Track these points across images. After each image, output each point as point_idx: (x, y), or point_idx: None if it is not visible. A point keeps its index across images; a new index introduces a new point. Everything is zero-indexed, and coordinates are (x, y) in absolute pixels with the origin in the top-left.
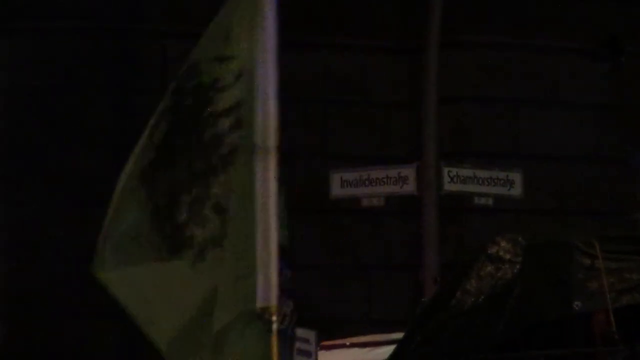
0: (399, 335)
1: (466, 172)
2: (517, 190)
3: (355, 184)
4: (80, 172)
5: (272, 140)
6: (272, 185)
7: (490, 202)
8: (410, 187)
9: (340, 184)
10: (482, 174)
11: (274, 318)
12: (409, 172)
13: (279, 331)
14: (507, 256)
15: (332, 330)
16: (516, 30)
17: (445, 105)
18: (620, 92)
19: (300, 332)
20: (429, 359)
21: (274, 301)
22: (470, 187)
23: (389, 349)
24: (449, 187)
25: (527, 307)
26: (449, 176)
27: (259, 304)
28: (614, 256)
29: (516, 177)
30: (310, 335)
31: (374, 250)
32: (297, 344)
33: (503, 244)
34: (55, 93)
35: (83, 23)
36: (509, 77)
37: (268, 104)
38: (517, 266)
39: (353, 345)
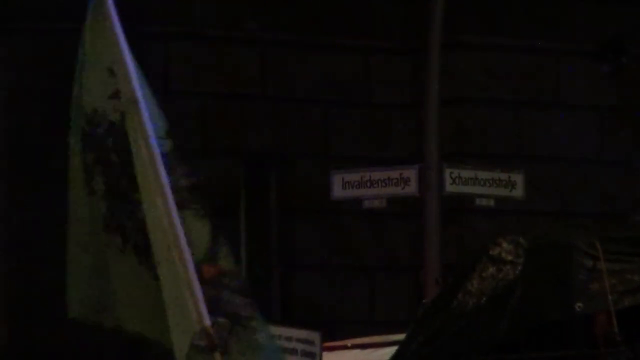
0: (400, 337)
1: (468, 173)
2: (518, 192)
3: (356, 185)
4: None
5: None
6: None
7: (491, 203)
8: (411, 189)
9: (342, 185)
10: (483, 175)
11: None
12: (411, 173)
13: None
14: (509, 257)
15: (334, 332)
16: (518, 32)
17: (447, 107)
18: (622, 94)
19: (304, 333)
20: (430, 359)
21: (207, 321)
22: (472, 189)
23: (390, 350)
24: (450, 188)
25: (528, 308)
26: (451, 177)
27: (196, 326)
28: (616, 257)
29: (518, 178)
30: (315, 337)
31: (375, 251)
32: (301, 346)
33: (504, 245)
34: (57, 93)
35: (83, 23)
36: (510, 79)
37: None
38: (519, 267)
39: (355, 346)
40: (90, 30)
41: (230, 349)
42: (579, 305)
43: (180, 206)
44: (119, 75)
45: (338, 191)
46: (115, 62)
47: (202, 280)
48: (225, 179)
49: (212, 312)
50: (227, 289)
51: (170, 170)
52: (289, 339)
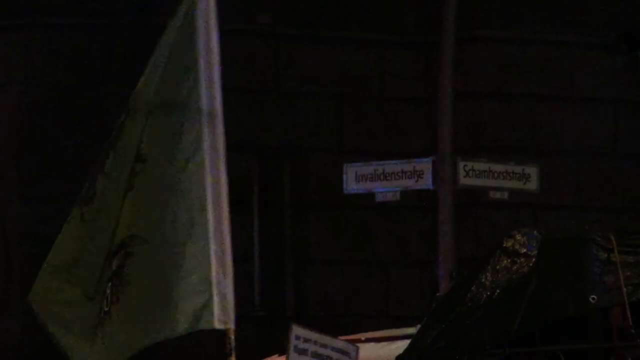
0: (414, 330)
1: (481, 166)
2: (533, 184)
3: (370, 179)
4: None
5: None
6: (224, 191)
7: (505, 196)
8: (425, 182)
9: (356, 179)
10: (497, 167)
11: (233, 341)
12: (424, 166)
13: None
14: (523, 250)
15: (348, 325)
16: (532, 25)
17: (461, 100)
18: (637, 86)
19: (340, 343)
20: (445, 353)
21: (232, 325)
22: (486, 181)
23: (404, 344)
24: (464, 181)
25: (542, 300)
26: (465, 170)
27: (218, 325)
28: (631, 250)
29: (532, 171)
30: (351, 349)
31: (389, 245)
32: (336, 356)
33: (519, 237)
34: (70, 89)
35: (96, 19)
36: (525, 72)
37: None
38: (533, 260)
39: (368, 340)
40: (178, 31)
41: None
42: (593, 298)
43: None
44: (197, 82)
45: (351, 184)
46: (195, 70)
47: None
48: (238, 173)
49: None
50: None
51: None
52: (324, 345)
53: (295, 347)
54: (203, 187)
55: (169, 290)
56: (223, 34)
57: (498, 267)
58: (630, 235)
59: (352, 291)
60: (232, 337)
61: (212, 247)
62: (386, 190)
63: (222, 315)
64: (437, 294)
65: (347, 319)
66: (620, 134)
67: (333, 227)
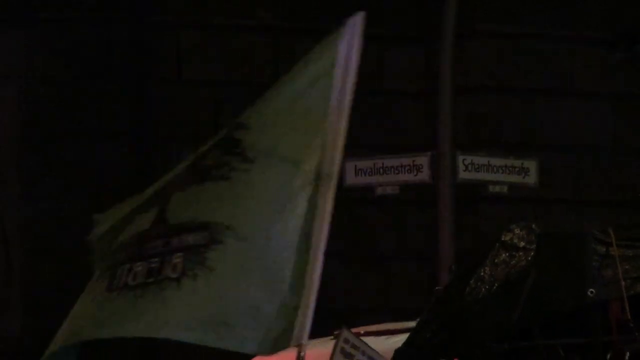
0: (414, 324)
1: (481, 160)
2: (532, 178)
3: (369, 172)
4: (96, 164)
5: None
6: (327, 218)
7: (505, 190)
8: (424, 176)
9: (355, 173)
10: (496, 162)
11: (302, 356)
12: (424, 160)
13: None
14: (521, 243)
15: (348, 320)
16: (532, 20)
17: (460, 95)
18: (636, 82)
19: (371, 351)
20: (443, 347)
21: (305, 340)
22: (485, 175)
23: (404, 338)
24: (463, 175)
25: (541, 294)
26: (464, 164)
27: (292, 344)
28: (629, 243)
29: (531, 165)
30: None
31: (389, 239)
32: None
33: (517, 231)
34: (71, 84)
35: (98, 13)
36: (524, 67)
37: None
38: (532, 254)
39: (368, 333)
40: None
41: None
42: (591, 292)
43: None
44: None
45: (350, 178)
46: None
47: None
48: None
49: None
50: None
51: None
52: (355, 347)
53: (343, 349)
54: (315, 199)
55: (252, 299)
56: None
57: (497, 261)
58: (628, 229)
59: (351, 285)
60: (303, 352)
61: (312, 261)
62: (385, 184)
63: (299, 332)
64: (437, 288)
65: (346, 313)
66: (619, 129)
67: (332, 221)
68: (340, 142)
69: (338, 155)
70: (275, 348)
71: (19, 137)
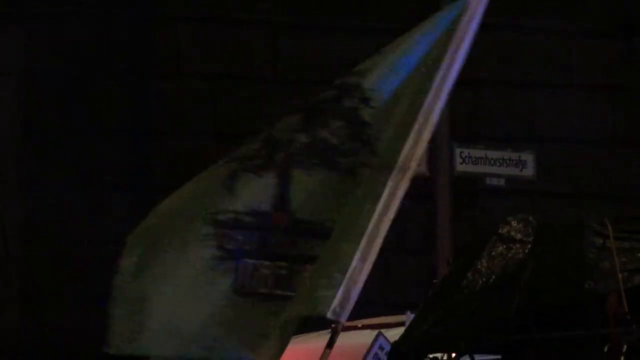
0: (411, 318)
1: (478, 152)
2: (529, 171)
3: None
4: (95, 158)
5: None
6: (395, 206)
7: (502, 182)
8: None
9: None
10: (494, 154)
11: (336, 335)
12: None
13: None
14: (519, 236)
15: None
16: (530, 12)
17: (457, 88)
18: (635, 74)
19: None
20: (440, 340)
21: (344, 319)
22: (482, 168)
23: (400, 331)
24: (461, 168)
25: (538, 287)
26: (461, 157)
27: (330, 315)
28: (627, 236)
29: (528, 157)
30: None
31: (387, 232)
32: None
33: (514, 224)
34: (70, 79)
35: (97, 8)
36: (522, 59)
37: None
38: (529, 246)
39: (365, 327)
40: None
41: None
42: (588, 284)
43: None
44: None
45: None
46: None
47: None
48: None
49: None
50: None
51: None
52: (381, 347)
53: (376, 355)
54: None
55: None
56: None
57: (494, 253)
58: (626, 222)
59: None
60: (337, 331)
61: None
62: None
63: (339, 307)
64: (434, 281)
65: None
66: (617, 121)
67: None
68: (427, 136)
69: (420, 150)
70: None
71: (19, 131)
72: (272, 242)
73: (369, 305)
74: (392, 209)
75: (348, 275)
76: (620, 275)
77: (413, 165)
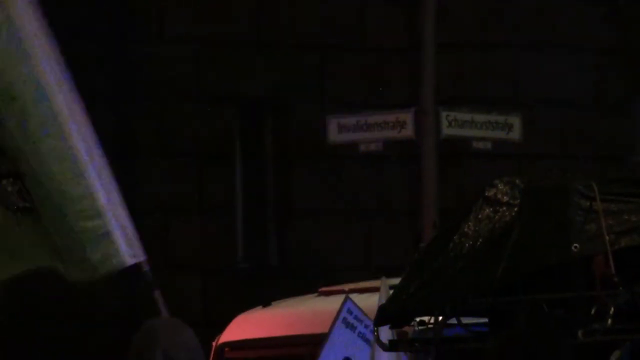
0: (397, 281)
1: (464, 116)
2: (516, 134)
3: (353, 129)
4: None
5: None
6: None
7: (488, 146)
8: (408, 132)
9: (338, 129)
10: (480, 117)
11: (149, 274)
12: (407, 116)
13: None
14: (505, 199)
15: (332, 276)
16: None
17: (443, 51)
18: (620, 36)
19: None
20: (427, 303)
21: (142, 256)
22: (468, 131)
23: (388, 294)
24: (447, 131)
25: (525, 250)
26: (447, 120)
27: (129, 260)
28: (613, 198)
29: (515, 120)
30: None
31: (372, 195)
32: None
33: (501, 186)
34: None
35: None
36: (507, 22)
37: None
38: (515, 209)
39: (352, 291)
40: None
41: None
42: (575, 246)
43: None
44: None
45: (334, 135)
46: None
47: None
48: (220, 125)
49: None
50: None
51: None
52: (359, 319)
53: (345, 319)
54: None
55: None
56: None
57: (480, 216)
58: (612, 184)
59: (335, 242)
60: (147, 268)
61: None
62: (369, 140)
63: (129, 249)
64: (421, 244)
65: (330, 270)
66: (602, 82)
67: (316, 178)
68: None
69: None
70: (110, 267)
71: None
72: None
73: (355, 268)
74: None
75: (108, 216)
76: (607, 238)
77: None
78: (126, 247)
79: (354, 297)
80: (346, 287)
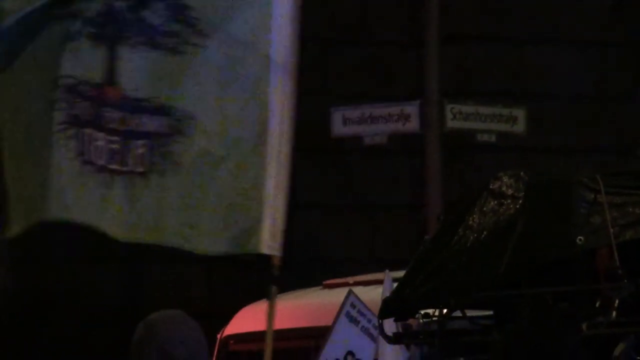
0: (402, 274)
1: (469, 108)
2: (520, 127)
3: (357, 122)
4: None
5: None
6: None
7: (493, 138)
8: (412, 125)
9: (343, 122)
10: (484, 110)
11: (277, 270)
12: (412, 109)
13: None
14: (510, 191)
15: (336, 270)
16: None
17: (448, 43)
18: (624, 29)
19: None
20: (431, 296)
21: (279, 253)
22: (473, 124)
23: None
24: (451, 124)
25: (529, 243)
26: (452, 113)
27: (265, 250)
28: (618, 190)
29: (519, 113)
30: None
31: (377, 188)
32: (364, 322)
33: (505, 179)
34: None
35: None
36: (511, 14)
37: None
38: (520, 202)
39: (357, 283)
40: None
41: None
42: (579, 239)
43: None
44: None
45: (338, 128)
46: None
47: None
48: None
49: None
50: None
51: None
52: (362, 314)
53: (348, 313)
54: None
55: (217, 200)
56: None
57: (485, 209)
58: (617, 176)
59: (339, 235)
60: (277, 265)
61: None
62: (373, 133)
63: (270, 240)
64: (425, 237)
65: (334, 263)
66: (607, 75)
67: (320, 170)
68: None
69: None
70: (244, 248)
71: None
72: (104, 115)
73: (359, 261)
74: (285, 119)
75: (266, 204)
76: (611, 230)
77: (290, 61)
78: (268, 237)
79: (359, 290)
80: (351, 280)
